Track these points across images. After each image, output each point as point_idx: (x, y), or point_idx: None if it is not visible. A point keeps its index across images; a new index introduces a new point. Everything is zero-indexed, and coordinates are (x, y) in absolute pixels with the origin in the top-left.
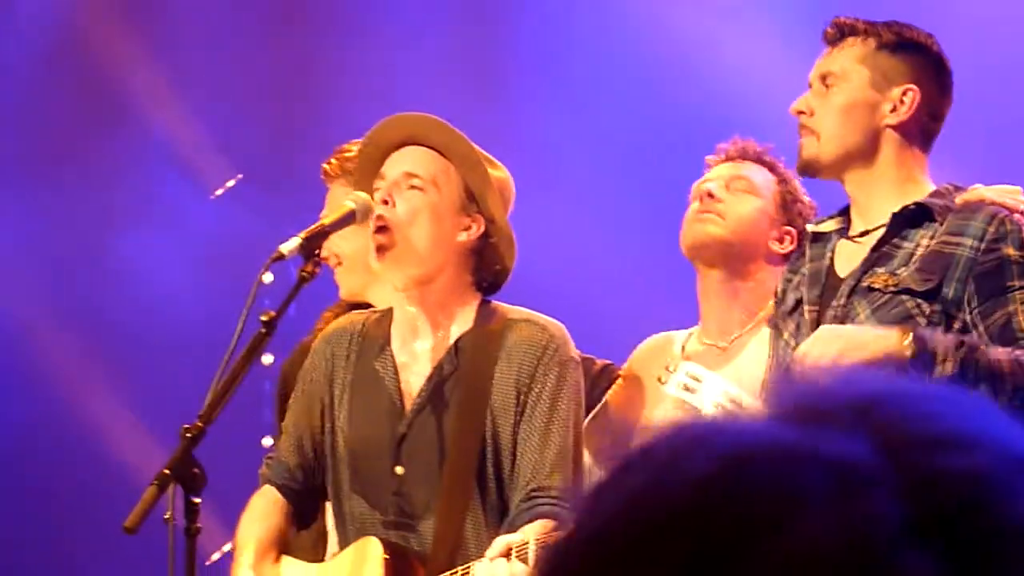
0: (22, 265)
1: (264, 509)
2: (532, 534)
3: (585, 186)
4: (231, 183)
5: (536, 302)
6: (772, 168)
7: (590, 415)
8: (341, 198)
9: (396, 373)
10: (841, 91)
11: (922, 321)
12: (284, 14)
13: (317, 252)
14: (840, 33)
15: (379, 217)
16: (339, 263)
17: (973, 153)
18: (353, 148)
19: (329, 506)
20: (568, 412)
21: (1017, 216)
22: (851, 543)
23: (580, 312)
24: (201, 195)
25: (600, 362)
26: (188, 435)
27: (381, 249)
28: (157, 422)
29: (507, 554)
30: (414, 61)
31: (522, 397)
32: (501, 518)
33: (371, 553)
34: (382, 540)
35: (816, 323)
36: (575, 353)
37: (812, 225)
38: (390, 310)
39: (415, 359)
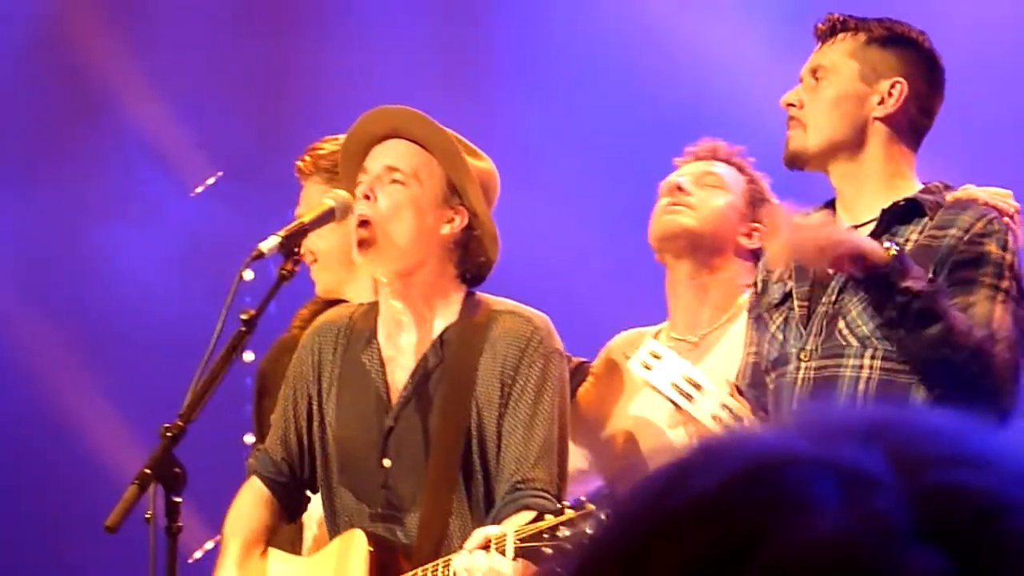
0: (0, 260)
1: (251, 504)
2: (511, 526)
3: (565, 181)
4: (211, 180)
5: (519, 295)
6: (741, 168)
7: None
8: (315, 196)
9: (382, 366)
10: (830, 84)
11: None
12: (264, 11)
13: (297, 250)
14: (831, 29)
15: (361, 211)
16: (315, 260)
17: (962, 153)
18: (326, 146)
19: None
20: (552, 404)
21: (1007, 219)
22: (859, 538)
23: (562, 305)
24: (180, 192)
25: (575, 360)
26: (168, 434)
27: (363, 243)
28: (137, 419)
29: (486, 546)
30: (394, 58)
31: (506, 389)
32: (487, 510)
33: (356, 546)
34: (367, 533)
35: (807, 319)
36: (560, 345)
37: (797, 218)
38: (376, 303)
39: (401, 352)
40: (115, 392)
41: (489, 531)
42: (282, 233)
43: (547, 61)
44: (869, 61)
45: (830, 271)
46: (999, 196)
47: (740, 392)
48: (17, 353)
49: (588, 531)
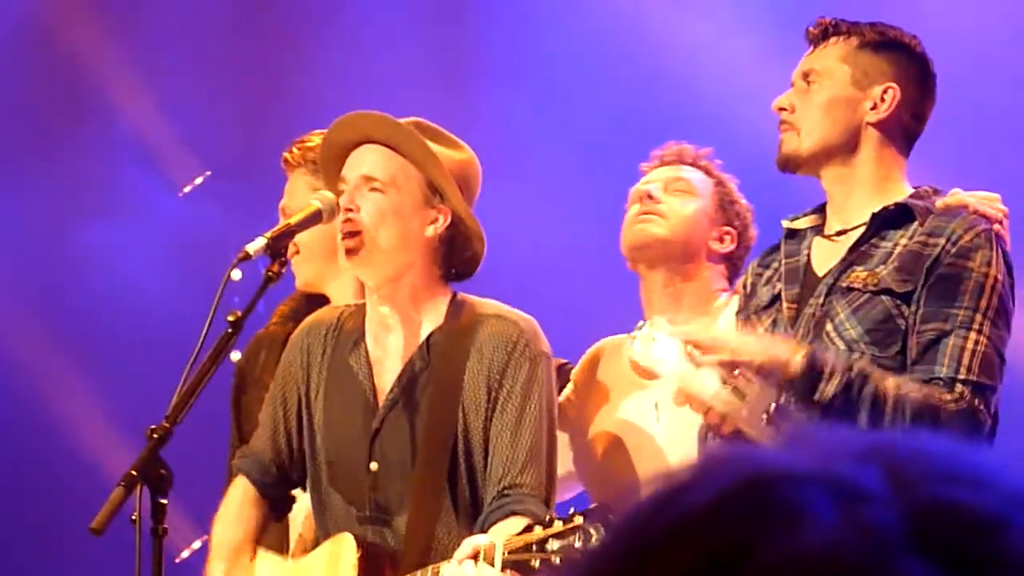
0: None
1: (239, 505)
2: (500, 537)
3: (553, 180)
4: (199, 180)
5: (506, 294)
6: (708, 171)
7: None
8: (301, 187)
9: (370, 369)
10: (823, 88)
11: (901, 322)
12: (254, 11)
13: (283, 252)
14: (823, 32)
15: (346, 223)
16: (296, 251)
17: (949, 156)
18: (314, 138)
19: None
20: (540, 407)
21: (997, 227)
22: (852, 549)
23: (549, 305)
24: (168, 190)
25: (556, 361)
26: (154, 436)
27: (351, 251)
28: (124, 420)
29: (475, 556)
30: (382, 57)
31: (493, 393)
32: (474, 515)
33: (345, 550)
34: (356, 537)
35: (795, 320)
36: (546, 348)
37: (787, 221)
38: (364, 305)
39: (388, 355)
40: (101, 392)
41: (478, 541)
42: (268, 235)
43: (536, 60)
44: (861, 66)
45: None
46: (987, 201)
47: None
48: (2, 352)
49: (576, 544)
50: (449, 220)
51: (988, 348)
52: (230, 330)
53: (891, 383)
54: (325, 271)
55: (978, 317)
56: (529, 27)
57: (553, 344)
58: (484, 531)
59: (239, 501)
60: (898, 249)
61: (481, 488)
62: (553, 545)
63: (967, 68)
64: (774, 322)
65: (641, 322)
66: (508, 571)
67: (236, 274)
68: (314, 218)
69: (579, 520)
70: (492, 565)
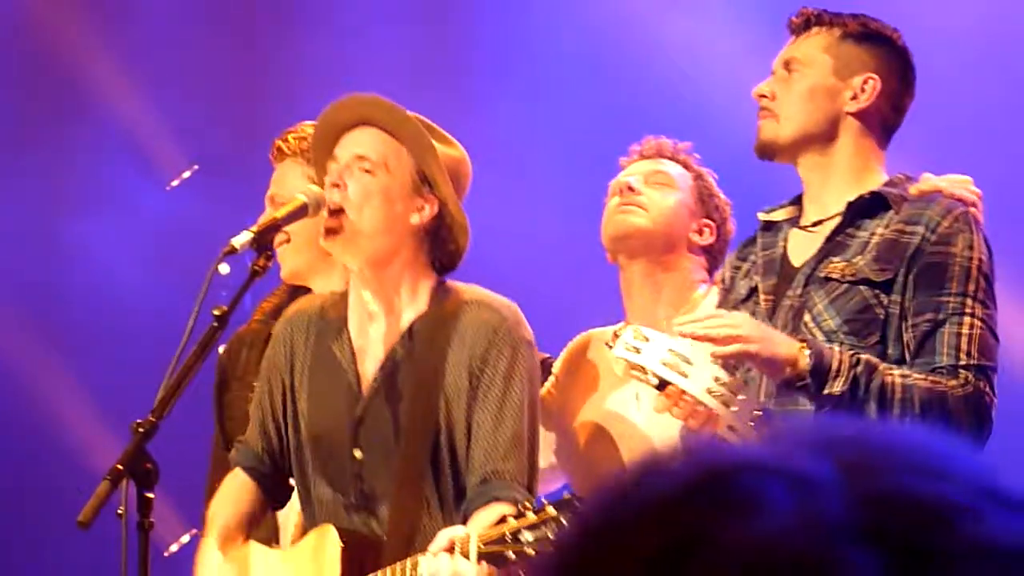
0: None
1: (233, 493)
2: (475, 529)
3: (539, 174)
4: (187, 174)
5: (492, 286)
6: (687, 165)
7: None
8: (293, 176)
9: (353, 357)
10: (804, 76)
11: (880, 312)
12: (239, 5)
13: (269, 245)
14: (806, 22)
15: (332, 201)
16: (287, 240)
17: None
18: (307, 128)
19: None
20: (522, 394)
21: (972, 210)
22: (800, 538)
23: (535, 297)
24: (155, 183)
25: (539, 355)
26: (140, 430)
27: (331, 231)
28: (110, 413)
29: (450, 548)
30: (369, 50)
31: (475, 381)
32: (457, 503)
33: (329, 542)
34: (339, 529)
35: (772, 312)
36: (529, 334)
37: (763, 213)
38: (347, 293)
39: (371, 343)
40: (87, 386)
41: (453, 533)
42: (254, 228)
43: (523, 54)
44: (843, 56)
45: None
46: (960, 184)
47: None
48: None
49: (551, 535)
50: (436, 210)
51: (983, 330)
52: (216, 324)
53: (897, 374)
54: (315, 263)
55: (968, 301)
56: (515, 22)
57: (535, 337)
58: (467, 518)
59: (233, 490)
60: (875, 239)
61: (464, 475)
62: (527, 536)
63: (951, 62)
64: (752, 315)
65: (622, 324)
66: (483, 563)
67: (224, 268)
68: (300, 212)
69: (552, 511)
70: (467, 557)
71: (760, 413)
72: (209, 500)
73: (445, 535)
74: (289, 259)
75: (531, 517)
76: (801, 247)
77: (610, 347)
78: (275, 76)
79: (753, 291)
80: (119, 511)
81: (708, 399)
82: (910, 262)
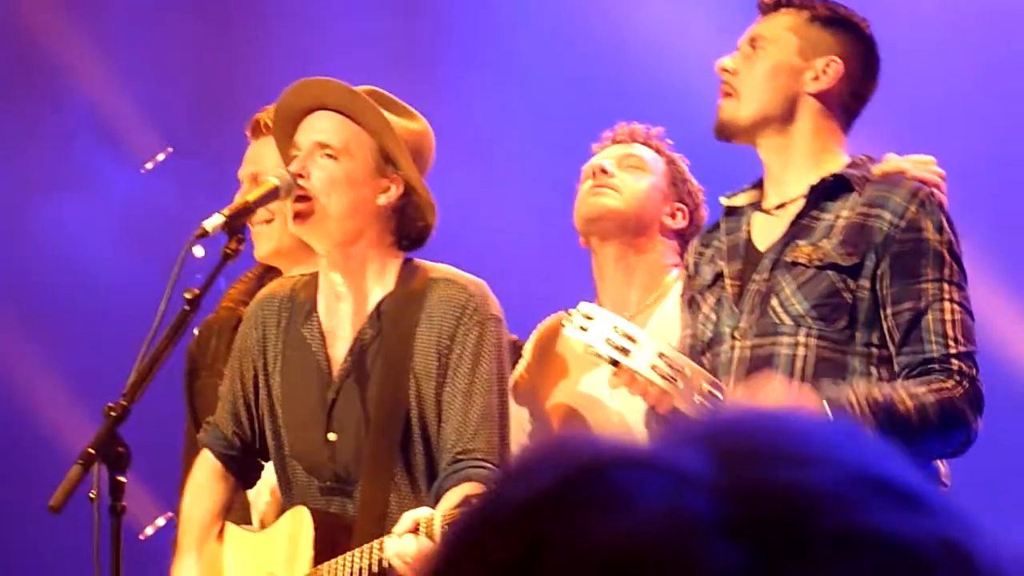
0: None
1: (205, 481)
2: (440, 509)
3: (511, 157)
4: (161, 156)
5: (465, 266)
6: (659, 151)
7: None
8: (269, 154)
9: (323, 339)
10: (767, 54)
11: (848, 296)
12: None
13: (241, 229)
14: (776, 3)
15: (297, 187)
16: (270, 219)
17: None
18: None
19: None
20: (491, 372)
21: (936, 192)
22: (660, 534)
23: (502, 282)
24: (126, 165)
25: (509, 336)
26: (112, 414)
27: (299, 215)
28: (82, 397)
29: (415, 530)
30: (341, 33)
31: (444, 359)
32: (430, 482)
33: (303, 525)
34: (313, 511)
35: (738, 296)
36: (497, 310)
37: (725, 198)
38: (316, 275)
39: (340, 324)
40: (59, 370)
41: (418, 515)
42: (226, 212)
43: (495, 38)
44: (809, 38)
45: None
46: (923, 165)
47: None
48: None
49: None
50: (401, 189)
51: (963, 314)
52: (187, 307)
53: (905, 397)
54: (294, 247)
55: (945, 287)
56: (487, 5)
57: (507, 320)
58: (439, 497)
59: (204, 477)
60: (840, 221)
61: (436, 454)
62: None
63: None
64: (719, 300)
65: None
66: None
67: (198, 251)
68: (272, 194)
69: None
70: (432, 538)
71: (711, 388)
72: (183, 488)
73: (410, 516)
74: (270, 239)
75: None
76: (765, 231)
77: (562, 326)
78: (247, 60)
79: (719, 276)
80: (91, 495)
81: (652, 375)
82: (881, 249)
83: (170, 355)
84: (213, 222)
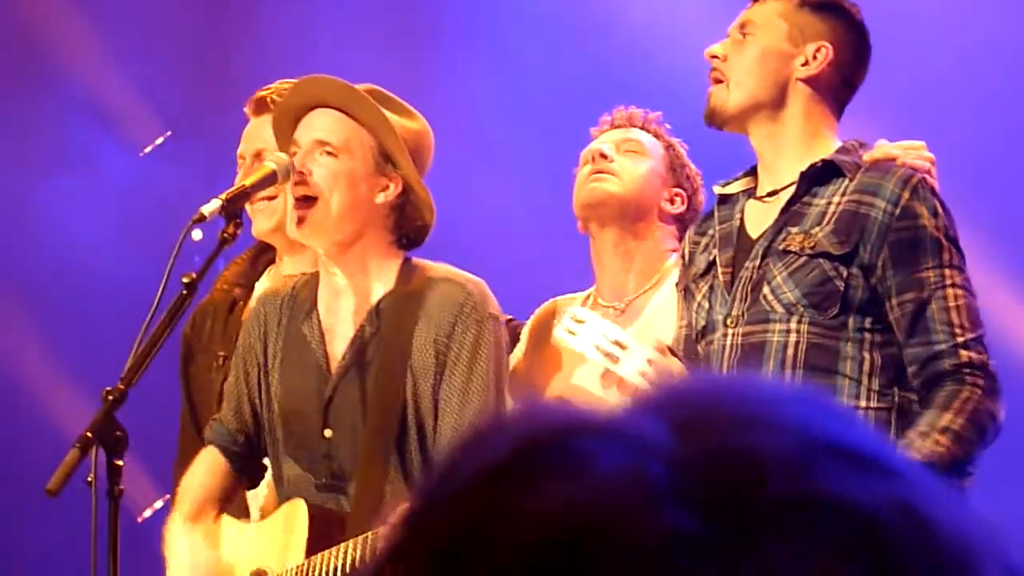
0: None
1: (207, 467)
2: (426, 473)
3: (508, 145)
4: (160, 140)
5: (456, 259)
6: (657, 135)
7: None
8: (268, 131)
9: (322, 337)
10: (757, 40)
11: (839, 284)
12: None
13: (239, 213)
14: None
15: (298, 186)
16: (274, 196)
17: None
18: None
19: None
20: (488, 370)
21: (928, 178)
22: (618, 500)
23: (500, 270)
24: (124, 148)
25: (504, 317)
26: (110, 397)
27: (301, 220)
28: (79, 379)
29: None
30: (338, 17)
31: (441, 357)
32: None
33: (298, 516)
34: (308, 503)
35: (730, 285)
36: (495, 309)
37: (719, 187)
38: (317, 273)
39: (339, 322)
40: (57, 353)
41: None
42: (223, 196)
43: (492, 22)
44: (798, 23)
45: None
46: (913, 151)
47: (672, 352)
48: None
49: None
50: (400, 188)
51: (966, 297)
52: (185, 292)
53: (938, 437)
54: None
55: (947, 272)
56: None
57: (506, 308)
58: None
59: (204, 466)
60: (832, 208)
61: (431, 451)
62: None
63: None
64: (711, 288)
65: (591, 290)
66: None
67: (197, 234)
68: (269, 179)
69: None
70: None
71: None
72: (179, 472)
73: (404, 508)
74: (267, 217)
75: None
76: (758, 218)
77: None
78: (244, 42)
79: (711, 264)
80: (88, 479)
81: (641, 382)
82: (876, 239)
83: (168, 339)
84: (211, 207)
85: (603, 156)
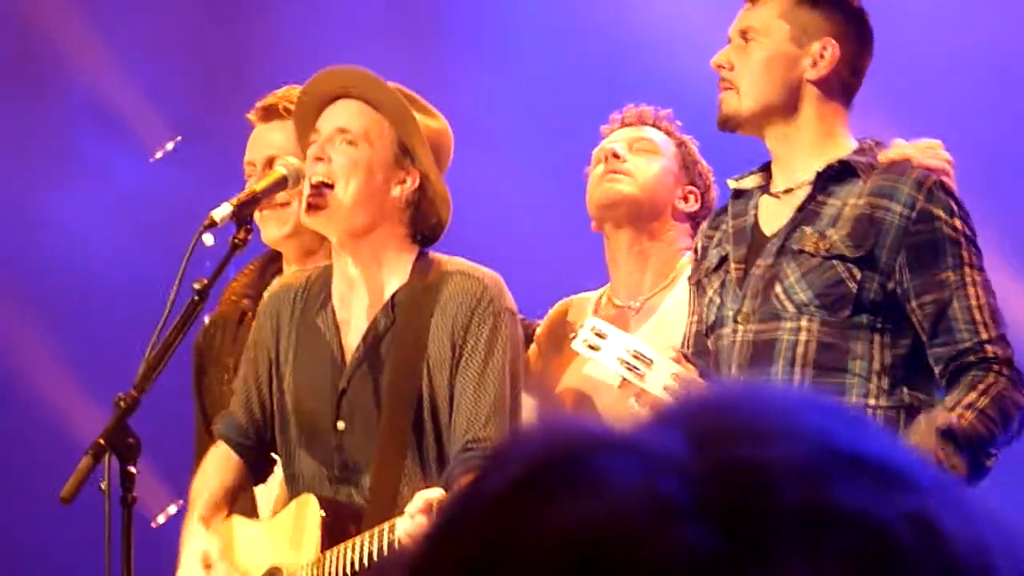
0: None
1: (216, 467)
2: (451, 491)
3: (518, 141)
4: (170, 146)
5: (472, 254)
6: (669, 132)
7: None
8: (277, 138)
9: (336, 329)
10: (761, 46)
11: (852, 286)
12: None
13: (249, 219)
14: None
15: (316, 175)
16: (287, 203)
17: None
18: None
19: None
20: (503, 363)
21: (944, 178)
22: (636, 515)
23: (516, 265)
24: (133, 153)
25: (523, 322)
26: (122, 405)
27: (313, 207)
28: (91, 385)
29: (427, 510)
30: (348, 17)
31: (457, 350)
32: (441, 471)
33: (310, 511)
34: (320, 497)
35: (742, 281)
36: (511, 304)
37: (733, 181)
38: (331, 266)
39: (353, 315)
40: (69, 359)
41: (429, 495)
42: (234, 201)
43: (500, 20)
44: (799, 22)
45: None
46: (930, 151)
47: (687, 358)
48: None
49: None
50: (417, 183)
51: (988, 297)
52: (196, 298)
53: (962, 411)
54: (306, 232)
55: (967, 271)
56: None
57: (519, 306)
58: (449, 485)
59: (216, 463)
60: (847, 210)
61: (447, 444)
62: None
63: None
64: (723, 283)
65: (604, 288)
66: None
67: (208, 239)
68: (280, 184)
69: None
70: None
71: None
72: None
73: (421, 497)
74: (279, 225)
75: None
76: (772, 215)
77: (571, 340)
78: (253, 43)
79: (724, 260)
80: (102, 485)
81: (666, 396)
82: (894, 243)
83: (179, 345)
84: (221, 212)
85: (616, 156)
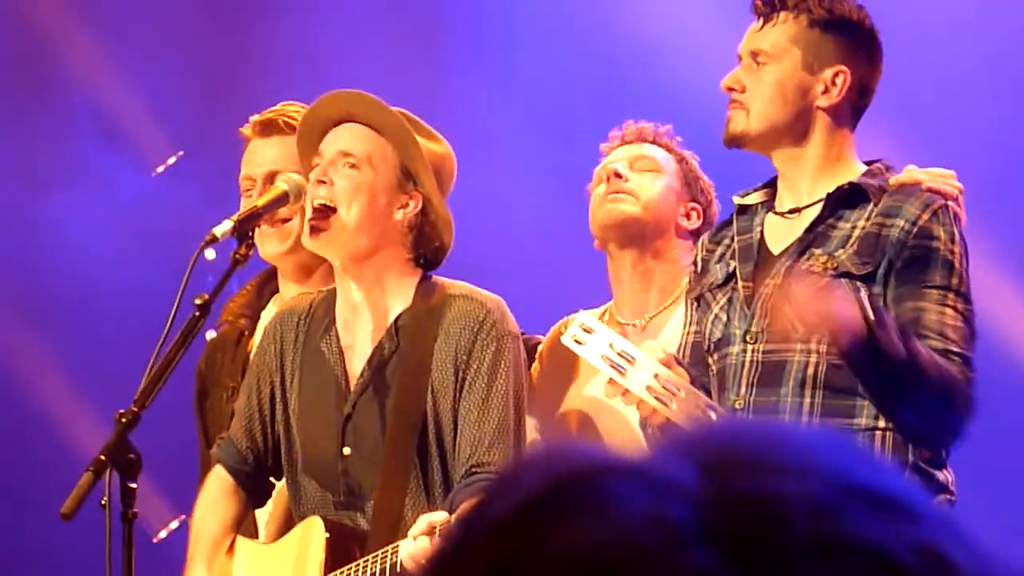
0: None
1: (216, 497)
2: (457, 513)
3: (519, 159)
4: (172, 160)
5: (470, 275)
6: (669, 149)
7: None
8: (275, 153)
9: (340, 354)
10: (773, 71)
11: None
12: None
13: (250, 235)
14: (771, 6)
15: (319, 198)
16: (288, 219)
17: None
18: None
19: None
20: (507, 387)
21: (952, 204)
22: (642, 540)
23: (519, 286)
24: (135, 166)
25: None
26: (123, 420)
27: (316, 230)
28: (91, 400)
29: (430, 532)
30: (350, 34)
31: (461, 374)
32: (445, 495)
33: (315, 533)
34: (325, 520)
35: (750, 300)
36: (514, 327)
37: (738, 197)
38: (335, 290)
39: (357, 339)
40: (70, 371)
41: (434, 518)
42: (235, 217)
43: (500, 37)
44: (811, 47)
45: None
46: (942, 178)
47: (679, 362)
48: None
49: None
50: (420, 206)
51: (964, 324)
52: (198, 313)
53: (912, 344)
54: (309, 254)
55: (951, 296)
56: (496, 4)
57: (522, 324)
58: (453, 509)
59: (216, 491)
60: (856, 232)
61: (451, 468)
62: None
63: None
64: (729, 300)
65: (607, 305)
66: None
67: (210, 254)
68: (281, 200)
69: None
70: None
71: (707, 409)
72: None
73: (425, 519)
74: (280, 241)
75: None
76: (778, 234)
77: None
78: (255, 57)
79: (731, 276)
80: (103, 502)
81: (646, 396)
82: (892, 255)
83: (180, 361)
84: (223, 228)
85: (618, 175)
